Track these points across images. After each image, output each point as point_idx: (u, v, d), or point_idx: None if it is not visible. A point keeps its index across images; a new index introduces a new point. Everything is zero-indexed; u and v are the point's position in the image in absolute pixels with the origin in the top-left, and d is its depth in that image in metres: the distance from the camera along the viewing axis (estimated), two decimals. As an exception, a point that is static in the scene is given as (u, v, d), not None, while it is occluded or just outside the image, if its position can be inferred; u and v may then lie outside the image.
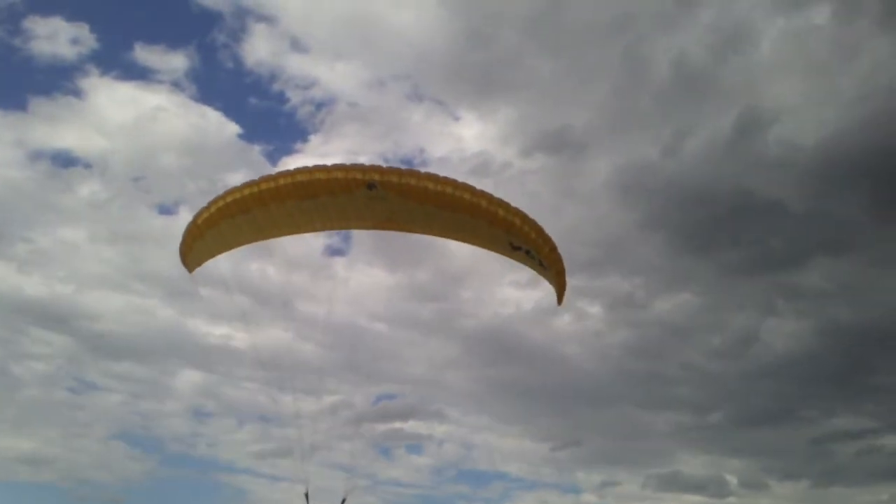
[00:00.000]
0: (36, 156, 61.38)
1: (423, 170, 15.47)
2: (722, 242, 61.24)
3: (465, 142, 66.87)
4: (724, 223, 59.48)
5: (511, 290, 61.87)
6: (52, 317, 60.02)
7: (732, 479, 62.34)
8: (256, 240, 17.94)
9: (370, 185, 15.88)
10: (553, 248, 15.03)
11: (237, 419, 62.06)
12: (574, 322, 62.76)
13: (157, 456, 61.87)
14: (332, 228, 18.01)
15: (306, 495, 17.19)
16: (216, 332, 61.71)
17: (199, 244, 17.35)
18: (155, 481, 60.24)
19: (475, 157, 62.84)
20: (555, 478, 63.53)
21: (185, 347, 62.93)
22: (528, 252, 15.57)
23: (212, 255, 18.05)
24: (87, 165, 63.12)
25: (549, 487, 64.05)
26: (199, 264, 18.12)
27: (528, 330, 62.66)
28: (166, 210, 64.09)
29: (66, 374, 61.29)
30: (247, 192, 16.47)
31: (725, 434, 64.07)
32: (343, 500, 17.37)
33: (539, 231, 14.99)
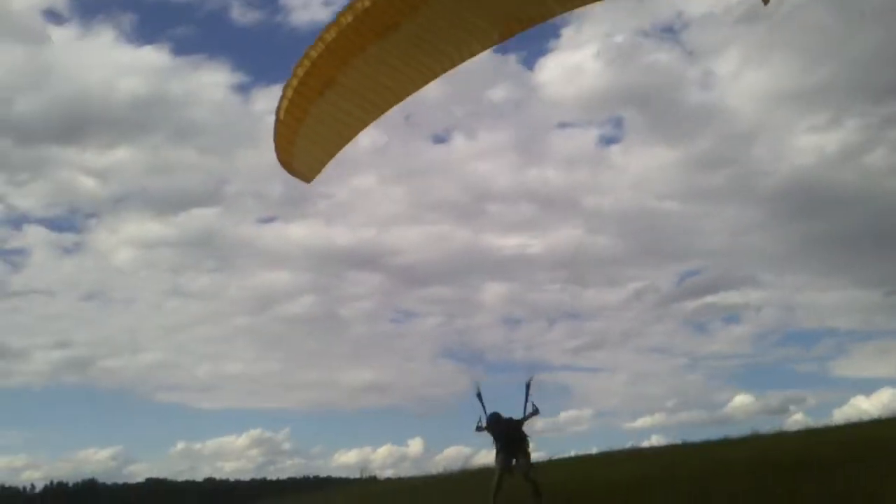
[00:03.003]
0: (315, 118, 65.65)
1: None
2: None
3: (727, -10, 54.77)
4: None
5: (809, 136, 50.88)
6: (362, 259, 65.09)
7: None
8: (369, 117, 13.52)
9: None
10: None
11: (546, 320, 61.01)
12: (889, 154, 49.84)
13: (480, 366, 64.06)
14: (452, 64, 12.87)
15: (479, 395, 16.84)
16: (510, 243, 61.17)
17: (298, 145, 13.45)
18: (483, 389, 62.85)
19: (742, 4, 51.28)
20: (894, 324, 52.51)
21: (485, 263, 63.84)
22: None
23: (328, 154, 14.03)
24: (362, 114, 65.97)
25: (888, 336, 53.28)
26: (313, 170, 14.22)
27: (836, 175, 51.47)
28: (440, 139, 64.91)
29: (385, 308, 66.08)
30: (314, 53, 12.08)
31: None
32: (528, 382, 16.88)
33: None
